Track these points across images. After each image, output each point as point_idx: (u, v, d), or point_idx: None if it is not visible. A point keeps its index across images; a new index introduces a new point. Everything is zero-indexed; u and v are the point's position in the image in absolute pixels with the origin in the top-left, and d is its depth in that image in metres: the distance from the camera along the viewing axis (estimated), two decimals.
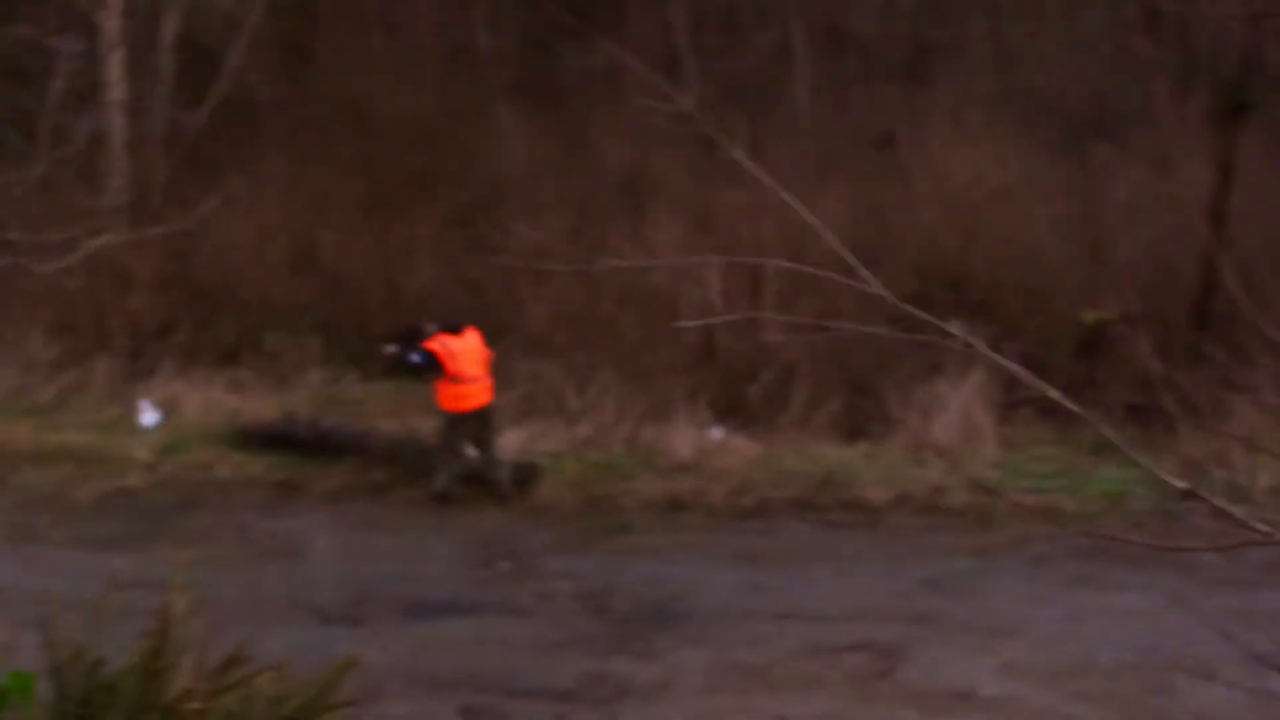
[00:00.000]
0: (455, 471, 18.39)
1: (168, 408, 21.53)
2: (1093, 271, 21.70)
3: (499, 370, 22.69)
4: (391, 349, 20.17)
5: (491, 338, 23.48)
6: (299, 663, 9.57)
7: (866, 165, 26.79)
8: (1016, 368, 5.34)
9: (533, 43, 33.43)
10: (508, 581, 15.16)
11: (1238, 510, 5.06)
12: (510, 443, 19.91)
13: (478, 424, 18.64)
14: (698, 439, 19.33)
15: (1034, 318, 21.19)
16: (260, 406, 21.39)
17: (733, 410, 20.04)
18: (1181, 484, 4.99)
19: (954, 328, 5.52)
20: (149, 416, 21.31)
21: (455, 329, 19.24)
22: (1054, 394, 5.17)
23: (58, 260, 10.30)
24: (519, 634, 13.43)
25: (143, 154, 27.07)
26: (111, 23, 25.37)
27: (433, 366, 18.83)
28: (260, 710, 8.07)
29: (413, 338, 19.69)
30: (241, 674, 8.28)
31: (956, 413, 19.23)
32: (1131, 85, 27.93)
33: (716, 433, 19.61)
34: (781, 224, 22.12)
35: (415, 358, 19.29)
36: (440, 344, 18.87)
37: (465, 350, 18.95)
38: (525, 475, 18.72)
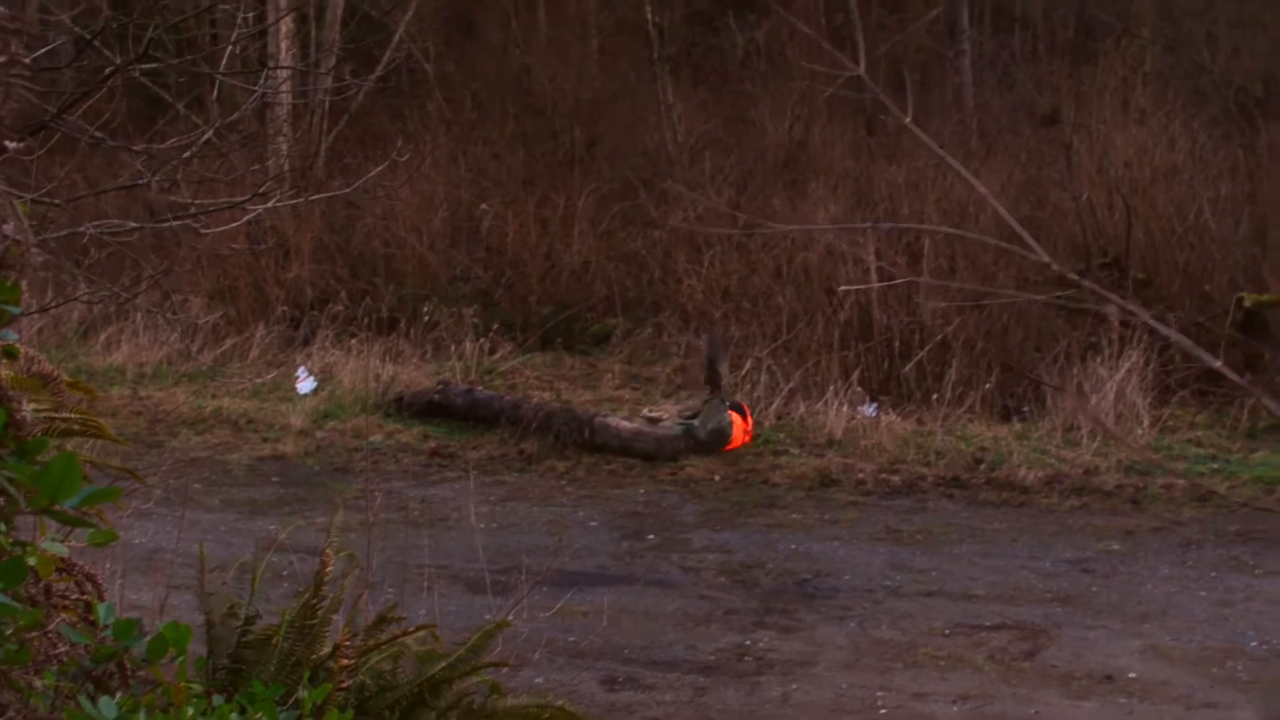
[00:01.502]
0: None
1: (324, 375, 21.83)
2: (1257, 253, 21.41)
3: (655, 344, 22.80)
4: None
5: (649, 311, 23.64)
6: (447, 628, 9.69)
7: (1030, 143, 26.62)
8: (1178, 335, 5.29)
9: (696, 17, 33.47)
10: (654, 554, 15.23)
11: None
12: (663, 416, 20.01)
13: None
14: (849, 415, 19.30)
15: (1194, 298, 20.96)
16: (415, 375, 21.63)
17: (885, 387, 19.99)
18: None
19: (1115, 300, 5.49)
20: (305, 384, 21.63)
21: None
22: (1217, 364, 5.12)
23: (221, 226, 10.43)
24: (663, 606, 13.49)
25: (307, 124, 27.45)
26: None
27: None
28: (409, 669, 8.19)
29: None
30: (391, 633, 8.40)
31: (1111, 394, 19.07)
32: None
33: (868, 410, 19.57)
34: (941, 200, 22.07)
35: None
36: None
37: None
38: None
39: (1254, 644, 12.36)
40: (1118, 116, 24.97)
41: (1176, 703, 11.12)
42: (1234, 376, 5.23)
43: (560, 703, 8.33)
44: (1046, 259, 5.26)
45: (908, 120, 5.52)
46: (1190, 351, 5.26)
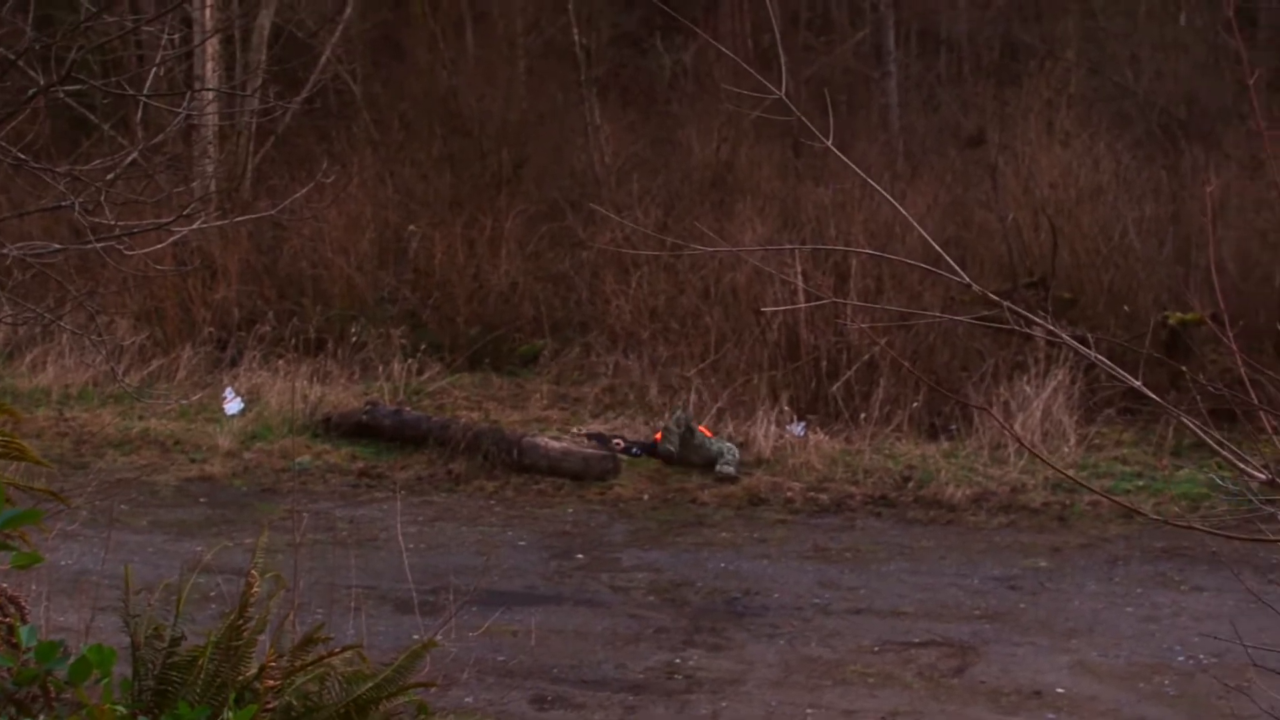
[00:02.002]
0: None
1: (251, 396, 21.74)
2: (1180, 273, 21.59)
3: (583, 365, 22.80)
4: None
5: (577, 331, 23.65)
6: (375, 648, 9.65)
7: (955, 164, 26.78)
8: (1102, 360, 5.32)
9: (623, 39, 33.53)
10: (583, 573, 15.21)
11: None
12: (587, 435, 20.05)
13: None
14: (778, 435, 19.34)
15: (1119, 318, 21.11)
16: (343, 396, 21.58)
17: (813, 407, 20.05)
18: (1262, 474, 4.97)
19: (1037, 321, 5.51)
20: (232, 405, 21.53)
21: None
22: (1136, 384, 5.15)
23: (146, 247, 10.37)
24: (593, 625, 13.48)
25: (234, 145, 27.35)
26: (206, 13, 25.63)
27: None
28: (335, 690, 8.14)
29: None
30: (318, 654, 8.36)
31: (1038, 412, 19.18)
32: (1223, 86, 27.76)
33: (797, 429, 19.62)
34: (868, 222, 22.16)
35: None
36: None
37: None
38: None
39: (1180, 659, 12.44)
40: (1042, 138, 25.14)
41: (1104, 718, 11.18)
42: (1153, 396, 5.26)
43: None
44: (968, 281, 5.28)
45: (829, 143, 5.52)
46: (1111, 371, 5.28)
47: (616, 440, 19.63)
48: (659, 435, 19.48)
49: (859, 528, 16.98)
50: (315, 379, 22.19)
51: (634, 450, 19.36)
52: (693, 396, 20.40)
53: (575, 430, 19.99)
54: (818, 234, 22.30)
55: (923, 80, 32.27)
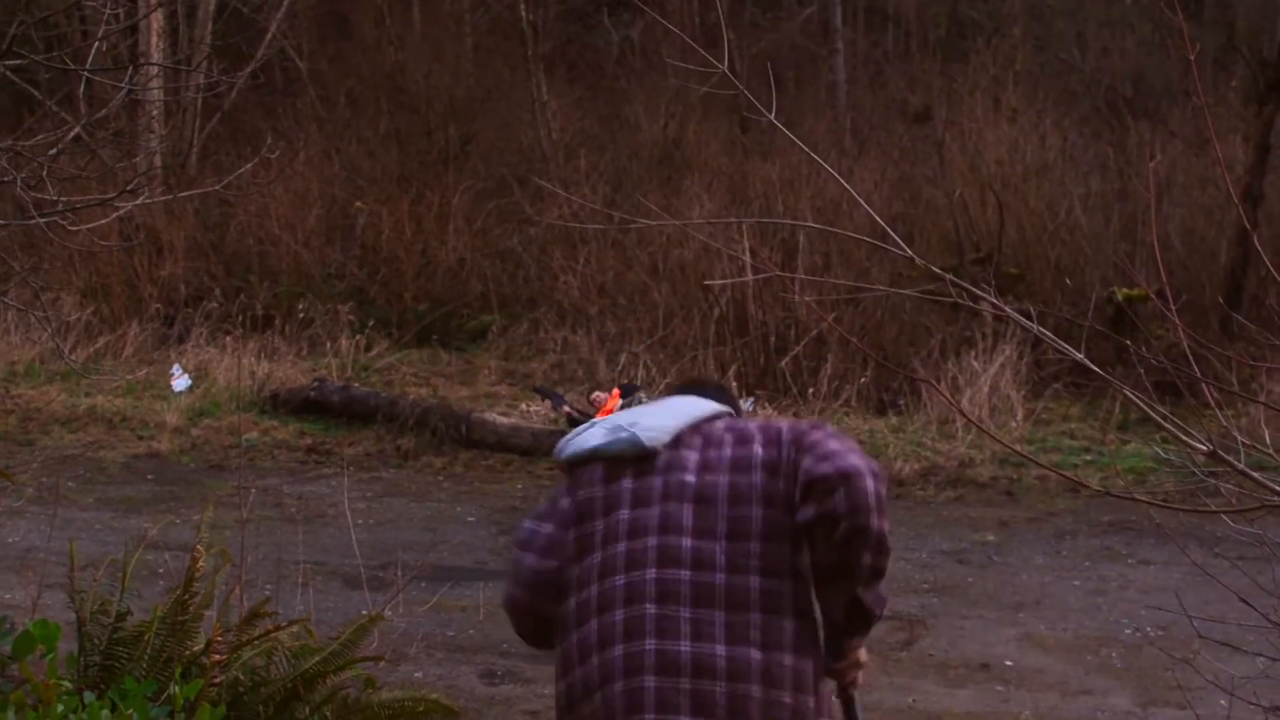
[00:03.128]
0: None
1: (198, 373, 21.66)
2: (1126, 249, 21.67)
3: (531, 340, 22.79)
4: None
5: (525, 307, 23.62)
6: (323, 624, 9.61)
7: (902, 141, 26.83)
8: (1045, 333, 5.31)
9: (570, 15, 33.46)
10: None
11: (1259, 475, 5.06)
12: (541, 411, 20.04)
13: None
14: None
15: (1066, 294, 21.19)
16: (291, 373, 21.52)
17: (761, 382, 20.07)
18: (1205, 446, 4.97)
19: (982, 295, 5.50)
20: (180, 381, 21.44)
21: None
22: (1081, 358, 5.15)
23: (91, 223, 10.32)
24: None
25: (179, 120, 27.19)
26: None
27: None
28: (282, 664, 8.11)
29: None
30: (265, 628, 8.33)
31: (985, 387, 19.24)
32: (1169, 64, 27.88)
33: (745, 404, 19.62)
34: (815, 198, 22.19)
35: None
36: None
37: None
38: None
39: (1128, 631, 12.49)
40: (989, 114, 25.22)
41: (1052, 690, 11.21)
42: (1097, 370, 5.26)
43: (435, 695, 8.28)
44: (913, 256, 5.28)
45: (772, 117, 5.49)
46: (1056, 345, 5.27)
47: (566, 407, 19.62)
48: (609, 406, 19.45)
49: None
50: (263, 355, 22.12)
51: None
52: (641, 372, 20.40)
53: (536, 386, 19.90)
54: (766, 210, 22.34)
55: (870, 57, 32.34)
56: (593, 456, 4.65)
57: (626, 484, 4.54)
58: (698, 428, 4.66)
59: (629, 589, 4.35)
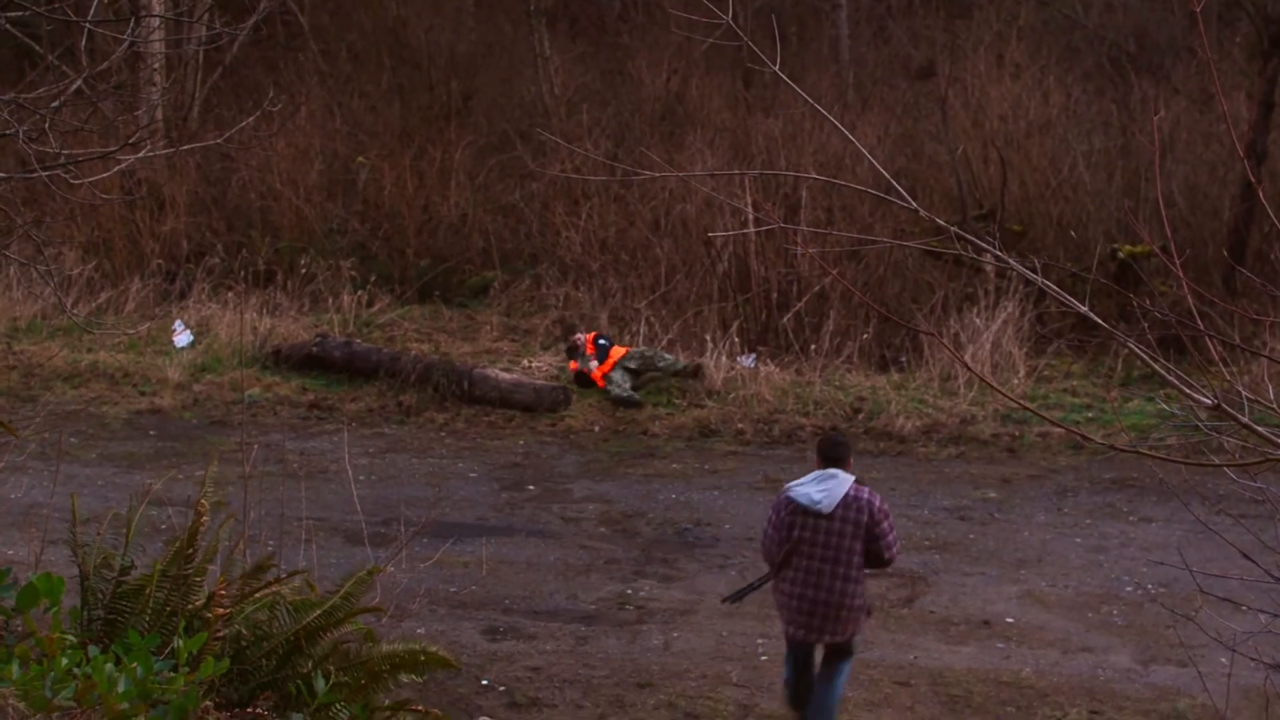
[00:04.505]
0: None
1: (200, 329, 21.65)
2: (1129, 205, 21.64)
3: (533, 296, 22.78)
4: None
5: (527, 263, 23.61)
6: (326, 580, 9.62)
7: (905, 97, 26.77)
8: (1050, 285, 5.29)
9: None
10: (534, 504, 15.21)
11: (1263, 429, 5.04)
12: (543, 366, 20.05)
13: None
14: (729, 366, 19.35)
15: (1069, 250, 21.17)
16: (293, 328, 21.50)
17: (764, 338, 20.06)
18: (1209, 400, 4.96)
19: (986, 247, 5.48)
20: (182, 337, 21.43)
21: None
22: (1084, 310, 5.13)
23: (93, 176, 10.29)
24: (544, 556, 13.48)
25: (180, 73, 27.14)
26: None
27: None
28: (284, 619, 8.13)
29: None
30: (266, 582, 8.35)
31: (988, 344, 19.23)
32: (1173, 19, 27.79)
33: (747, 360, 19.63)
34: (818, 154, 22.15)
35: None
36: None
37: None
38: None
39: (1129, 589, 12.51)
40: (993, 71, 25.16)
41: (1053, 647, 11.24)
42: (1100, 322, 5.24)
43: (436, 649, 8.31)
44: (915, 207, 5.26)
45: (775, 68, 5.47)
46: (1058, 297, 5.27)
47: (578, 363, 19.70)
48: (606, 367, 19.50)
49: (809, 459, 16.96)
50: (265, 311, 22.11)
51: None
52: (643, 328, 20.41)
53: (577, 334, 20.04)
54: (769, 166, 22.29)
55: (873, 12, 32.21)
56: (797, 507, 9.78)
57: (809, 521, 9.70)
58: (846, 500, 9.68)
59: (808, 574, 9.70)
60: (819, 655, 9.95)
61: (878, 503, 9.64)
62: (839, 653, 9.87)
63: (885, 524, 9.60)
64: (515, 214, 24.86)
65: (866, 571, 9.69)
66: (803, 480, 9.83)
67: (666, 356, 19.31)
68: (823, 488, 9.64)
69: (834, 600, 9.58)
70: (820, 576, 9.59)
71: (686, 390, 19.05)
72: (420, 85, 27.66)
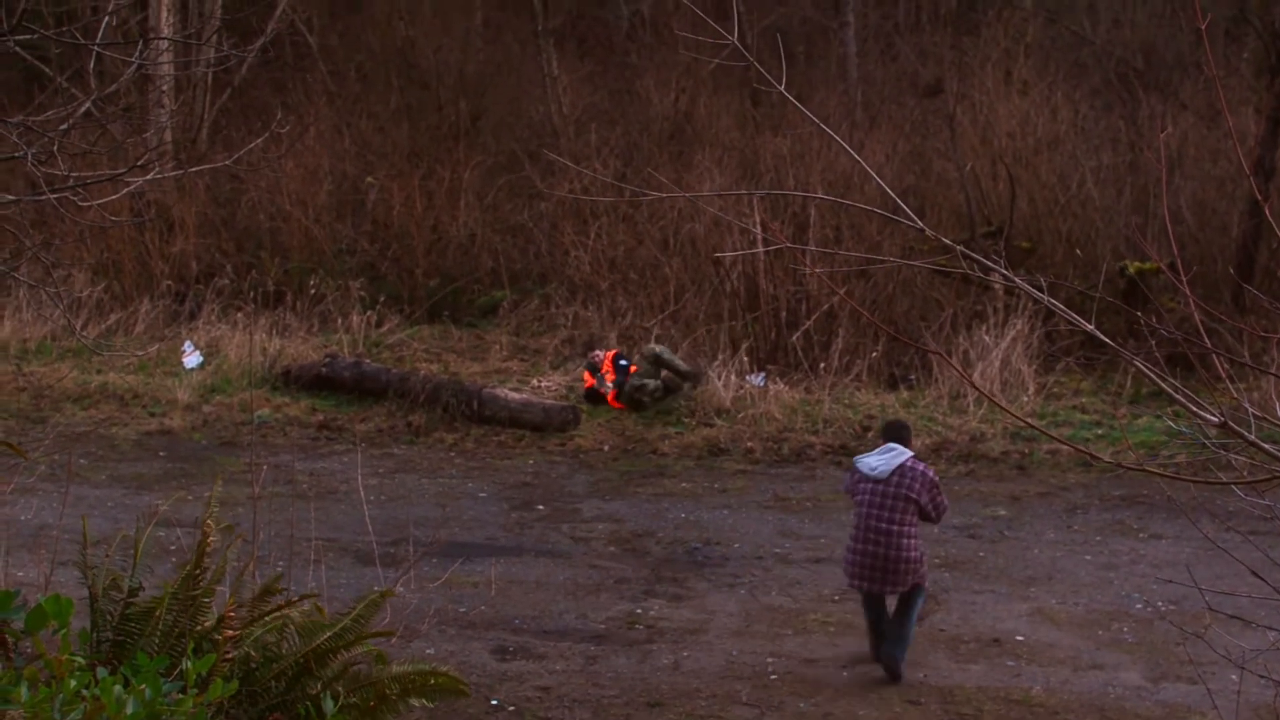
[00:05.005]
0: None
1: (210, 350, 21.68)
2: (1138, 222, 21.64)
3: (542, 316, 22.79)
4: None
5: (536, 282, 23.63)
6: (336, 600, 9.62)
7: (913, 114, 26.79)
8: (1056, 305, 5.30)
9: None
10: (544, 524, 15.21)
11: (1271, 447, 5.04)
12: (552, 386, 20.08)
13: None
14: (738, 385, 19.36)
15: (1077, 267, 21.17)
16: (302, 349, 21.54)
17: (773, 357, 20.07)
18: (1216, 418, 4.96)
19: (992, 266, 5.50)
20: (191, 358, 21.46)
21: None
22: (1091, 329, 5.14)
23: (102, 198, 10.32)
24: (554, 576, 13.48)
25: (189, 95, 27.20)
26: None
27: None
28: (294, 640, 8.14)
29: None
30: (276, 604, 8.35)
31: (996, 361, 19.23)
32: (1180, 35, 27.81)
33: (757, 379, 19.63)
34: (826, 172, 22.16)
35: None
36: None
37: None
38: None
39: (1139, 606, 12.49)
40: (1000, 87, 25.18)
41: (1063, 665, 11.22)
42: (1108, 341, 5.25)
43: (446, 669, 8.31)
44: (921, 226, 5.27)
45: (781, 88, 5.48)
46: (1066, 316, 5.27)
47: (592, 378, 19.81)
48: (607, 364, 19.64)
49: (819, 477, 17.02)
50: (274, 332, 22.15)
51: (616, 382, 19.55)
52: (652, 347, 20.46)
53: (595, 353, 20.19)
54: (777, 185, 22.31)
55: (881, 29, 32.27)
56: (861, 474, 11.50)
57: (868, 485, 11.38)
58: (900, 469, 11.35)
59: (868, 532, 11.25)
60: (892, 605, 11.54)
61: (930, 474, 11.42)
62: (907, 598, 11.41)
63: (933, 491, 11.38)
64: (524, 234, 24.90)
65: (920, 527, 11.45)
66: (869, 453, 11.67)
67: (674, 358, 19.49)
68: (882, 459, 11.44)
69: (891, 555, 11.20)
70: (877, 534, 11.24)
71: (695, 409, 19.05)
72: (429, 105, 27.72)
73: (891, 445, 11.56)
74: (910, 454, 11.52)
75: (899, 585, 11.25)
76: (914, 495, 11.22)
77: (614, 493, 16.43)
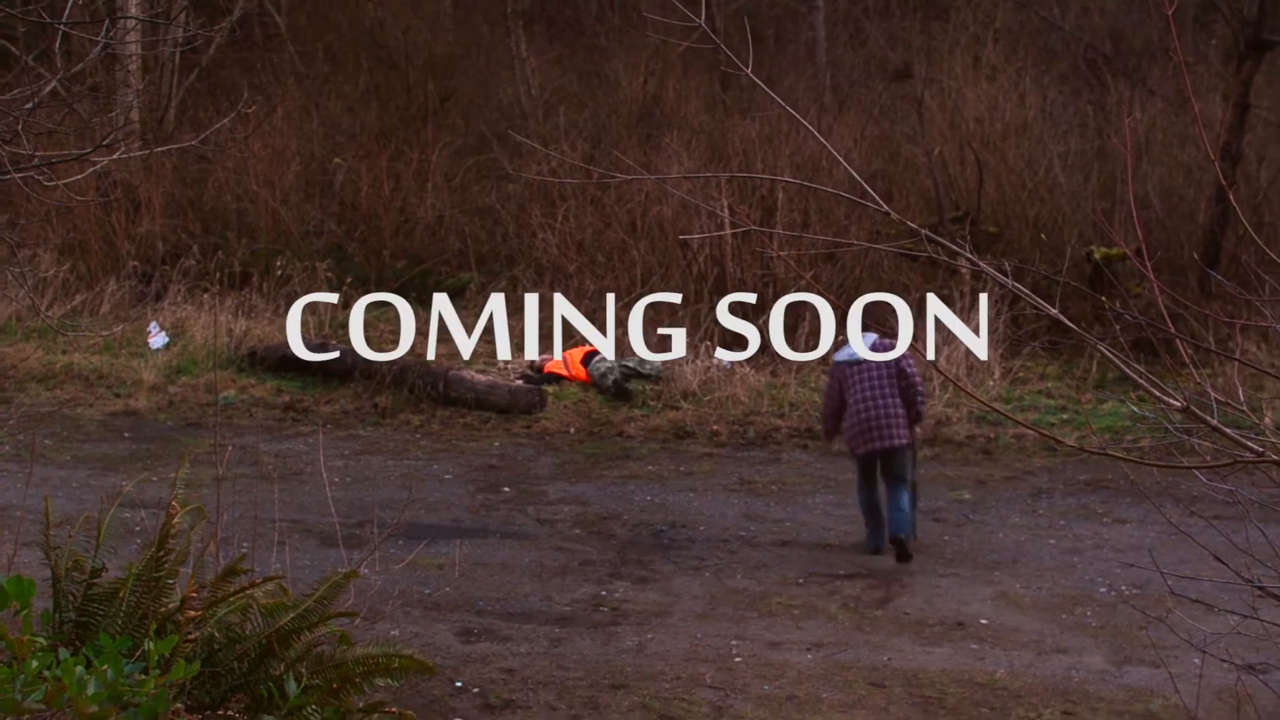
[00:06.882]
0: None
1: (176, 330, 21.61)
2: (1104, 207, 21.69)
3: (510, 298, 22.75)
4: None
5: (503, 265, 23.58)
6: (300, 582, 9.59)
7: (882, 99, 26.80)
8: (1021, 289, 5.32)
9: None
10: (509, 506, 15.20)
11: (1233, 432, 5.06)
12: (518, 368, 20.05)
13: None
14: (704, 368, 19.36)
15: (1044, 252, 21.22)
16: (268, 330, 21.46)
17: (739, 340, 20.05)
18: (1180, 403, 4.98)
19: (957, 250, 5.50)
20: (157, 339, 21.38)
21: None
22: (1055, 314, 5.15)
23: (68, 178, 10.28)
24: (519, 558, 13.47)
25: (156, 75, 27.09)
26: None
27: None
28: (257, 621, 8.12)
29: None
30: (239, 585, 8.33)
31: (962, 346, 19.25)
32: (1149, 21, 27.86)
33: (723, 362, 19.63)
34: (794, 156, 22.15)
35: None
36: None
37: None
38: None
39: (1103, 590, 12.53)
40: (969, 72, 25.21)
41: (1027, 648, 11.25)
42: (1072, 326, 5.26)
43: (410, 651, 8.30)
44: (887, 210, 5.27)
45: (749, 72, 5.48)
46: (1031, 301, 5.29)
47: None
48: (574, 362, 19.63)
49: (784, 460, 17.05)
50: (240, 313, 22.09)
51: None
52: (615, 329, 20.42)
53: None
54: (745, 168, 22.32)
55: (850, 14, 32.24)
56: (843, 365, 13.67)
57: (854, 370, 13.59)
58: (879, 349, 13.56)
59: (862, 402, 13.53)
60: (883, 490, 13.72)
61: (910, 359, 13.73)
62: (894, 477, 13.61)
63: (914, 372, 13.62)
64: (492, 215, 24.86)
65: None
66: (847, 346, 13.83)
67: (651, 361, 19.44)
68: (858, 343, 13.71)
69: (885, 412, 13.47)
70: (871, 400, 13.49)
71: (661, 392, 19.05)
72: (397, 86, 27.64)
73: (868, 334, 13.95)
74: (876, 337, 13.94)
75: (893, 439, 13.46)
76: (895, 371, 13.51)
77: (579, 475, 16.43)
